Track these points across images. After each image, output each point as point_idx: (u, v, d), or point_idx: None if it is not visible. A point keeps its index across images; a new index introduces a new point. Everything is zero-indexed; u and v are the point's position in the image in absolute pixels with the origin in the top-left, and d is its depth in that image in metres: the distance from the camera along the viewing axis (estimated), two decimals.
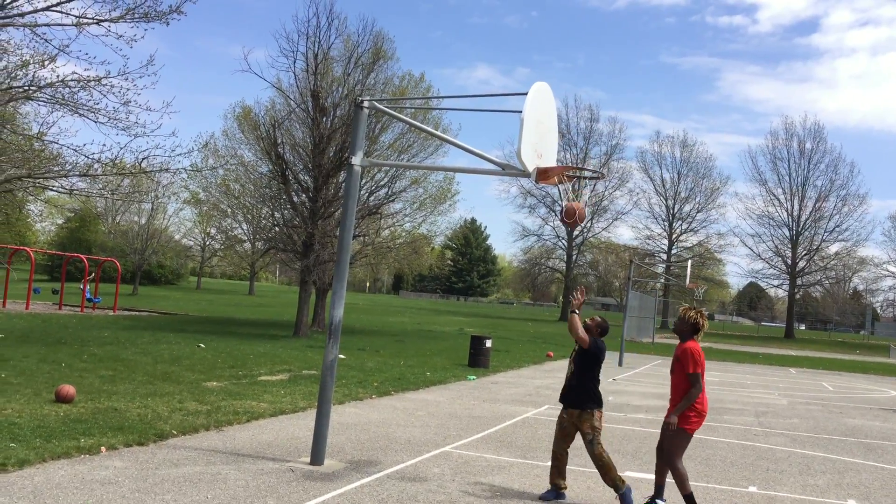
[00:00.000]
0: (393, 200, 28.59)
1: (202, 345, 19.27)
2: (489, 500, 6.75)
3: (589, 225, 65.39)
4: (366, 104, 8.20)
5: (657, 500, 6.68)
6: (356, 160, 8.06)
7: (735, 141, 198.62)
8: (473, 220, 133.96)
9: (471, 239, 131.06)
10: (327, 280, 29.73)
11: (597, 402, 6.88)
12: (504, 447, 9.28)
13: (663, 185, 68.94)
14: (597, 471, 6.80)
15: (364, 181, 29.32)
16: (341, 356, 19.16)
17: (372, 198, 28.94)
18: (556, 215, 66.69)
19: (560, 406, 7.14)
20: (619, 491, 6.68)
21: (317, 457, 7.54)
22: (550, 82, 8.01)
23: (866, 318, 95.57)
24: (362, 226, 27.57)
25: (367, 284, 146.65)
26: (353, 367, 17.02)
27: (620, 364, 25.12)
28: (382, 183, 29.53)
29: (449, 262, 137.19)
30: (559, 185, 7.94)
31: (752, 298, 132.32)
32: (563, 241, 66.06)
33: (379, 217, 28.17)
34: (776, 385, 21.80)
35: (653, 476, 7.02)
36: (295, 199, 25.50)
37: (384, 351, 21.97)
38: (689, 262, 26.89)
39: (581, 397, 6.86)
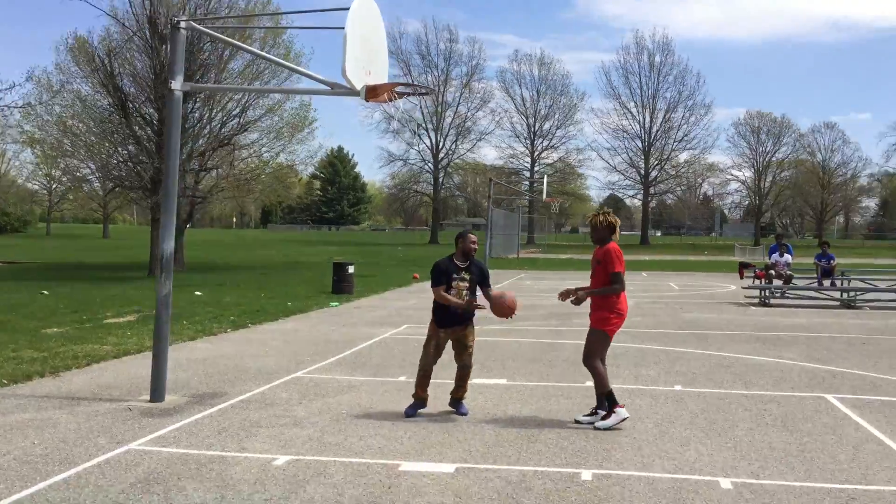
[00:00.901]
0: (246, 130, 27.54)
1: (45, 292, 18.19)
2: (334, 418, 6.83)
3: (453, 146, 66.03)
4: (183, 25, 7.73)
5: (599, 411, 6.63)
6: (175, 85, 7.64)
7: (593, 58, 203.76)
8: (340, 149, 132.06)
9: (339, 167, 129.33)
10: (183, 217, 28.61)
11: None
12: (357, 368, 9.38)
13: (524, 104, 70.20)
14: (455, 381, 7.12)
15: (215, 111, 28.08)
16: (197, 293, 18.62)
17: (225, 128, 27.81)
18: (420, 139, 66.85)
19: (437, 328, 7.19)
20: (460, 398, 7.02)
21: (157, 393, 7.35)
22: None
23: (715, 221, 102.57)
24: (215, 158, 26.53)
25: (234, 220, 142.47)
26: (210, 303, 16.59)
27: None
28: (235, 113, 28.40)
29: (318, 191, 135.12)
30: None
31: (612, 209, 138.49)
32: (430, 164, 66.34)
33: (232, 148, 27.13)
34: (637, 290, 23.07)
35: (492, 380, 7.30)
36: (139, 132, 24.10)
37: (245, 285, 21.54)
38: (545, 177, 27.62)
39: (470, 313, 7.08)
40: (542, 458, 5.69)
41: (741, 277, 19.17)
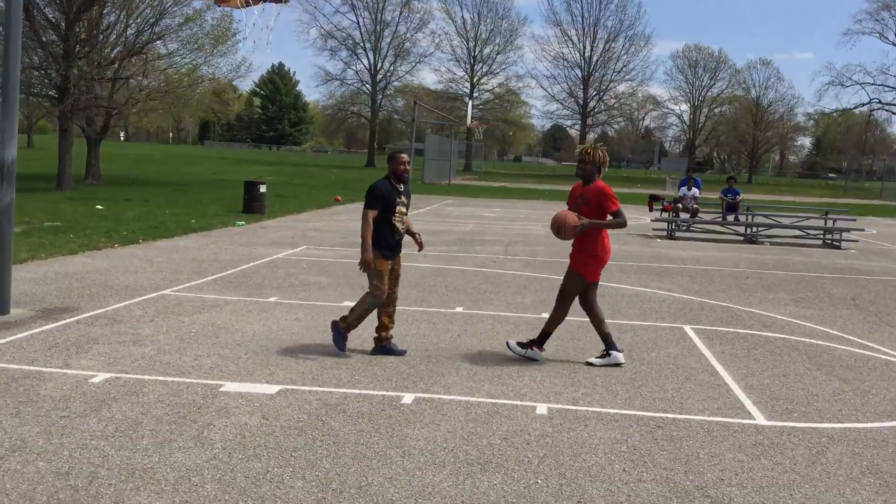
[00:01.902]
0: (160, 39, 26.32)
1: None
2: (179, 337, 6.68)
3: (392, 68, 64.61)
4: None
5: (612, 352, 6.41)
6: None
7: None
8: (281, 66, 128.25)
9: (279, 85, 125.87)
10: (98, 128, 27.50)
11: None
12: (231, 287, 9.21)
13: (464, 27, 68.75)
14: (386, 318, 6.54)
15: (131, 18, 26.72)
16: (98, 206, 18.03)
17: (142, 37, 26.54)
18: (358, 59, 65.14)
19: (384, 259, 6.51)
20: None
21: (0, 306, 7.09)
22: None
23: (654, 155, 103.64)
24: (129, 66, 25.37)
25: (171, 135, 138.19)
26: (108, 217, 16.08)
27: None
28: (151, 20, 27.09)
29: (258, 109, 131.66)
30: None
31: (555, 139, 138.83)
32: (368, 85, 64.93)
33: (145, 58, 25.95)
34: (541, 217, 23.17)
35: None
36: (44, 38, 22.80)
37: (155, 201, 20.93)
38: (470, 102, 27.28)
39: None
40: (371, 381, 5.68)
41: (650, 210, 19.42)
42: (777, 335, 7.91)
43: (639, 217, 25.03)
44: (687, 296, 10.07)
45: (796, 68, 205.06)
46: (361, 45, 64.52)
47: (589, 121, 68.25)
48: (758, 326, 8.30)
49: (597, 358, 6.46)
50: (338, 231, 16.23)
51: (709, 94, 73.37)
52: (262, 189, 19.31)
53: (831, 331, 8.24)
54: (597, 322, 6.48)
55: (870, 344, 7.67)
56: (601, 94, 67.74)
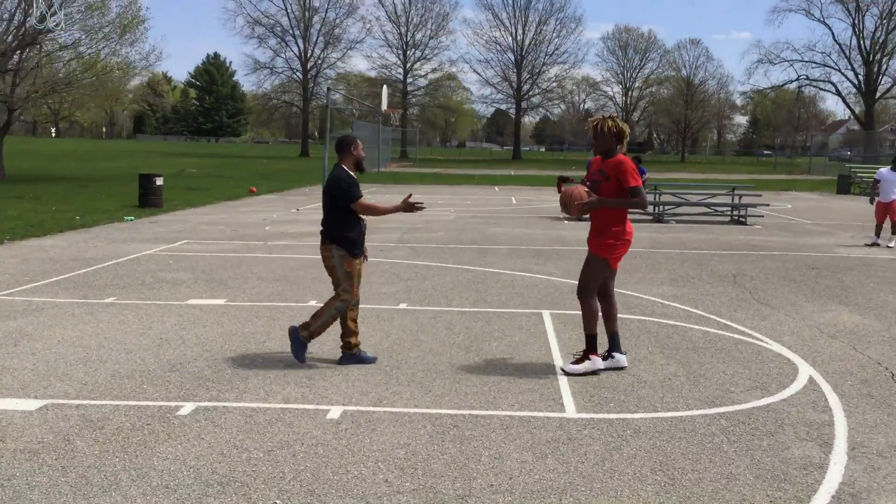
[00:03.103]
0: (57, 27, 25.08)
1: None
2: None
3: (322, 55, 63.41)
4: None
5: (614, 354, 5.84)
6: None
7: None
8: (217, 55, 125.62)
9: (215, 75, 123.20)
10: (3, 120, 26.27)
11: None
12: (71, 289, 8.55)
13: (395, 12, 67.89)
14: (351, 324, 5.96)
15: (30, 6, 25.43)
16: None
17: (39, 26, 25.27)
18: (287, 46, 63.81)
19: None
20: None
21: None
22: None
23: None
24: (29, 59, 24.16)
25: (104, 130, 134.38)
26: None
27: None
28: (54, 9, 25.82)
29: (194, 100, 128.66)
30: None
31: (498, 125, 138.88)
32: (298, 73, 63.65)
33: (39, 47, 24.73)
34: (462, 202, 22.82)
35: None
36: None
37: (49, 198, 19.92)
38: (385, 87, 26.69)
39: None
40: (158, 390, 5.16)
41: (559, 191, 19.11)
42: (636, 317, 7.62)
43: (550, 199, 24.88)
44: (564, 279, 9.75)
45: (735, 48, 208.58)
46: (290, 32, 63.28)
47: (523, 104, 68.09)
48: (620, 309, 7.98)
49: (572, 364, 5.72)
50: (233, 224, 15.57)
51: (640, 74, 73.93)
52: (159, 182, 18.51)
53: (695, 310, 7.99)
54: (599, 319, 5.80)
55: (730, 323, 7.43)
56: (534, 77, 67.62)
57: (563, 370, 5.73)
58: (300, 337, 5.78)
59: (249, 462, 4.01)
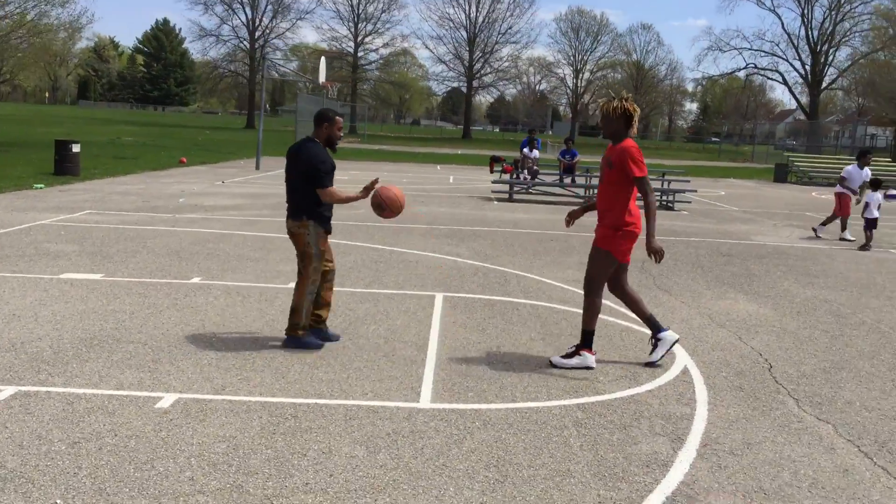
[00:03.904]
0: None
1: None
2: None
3: (271, 24, 61.98)
4: None
5: (659, 334, 5.52)
6: None
7: None
8: (166, 21, 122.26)
9: (164, 42, 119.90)
10: None
11: None
12: None
13: None
14: (325, 301, 5.80)
15: None
16: None
17: None
18: (234, 14, 62.19)
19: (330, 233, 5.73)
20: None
21: None
22: None
23: (546, 119, 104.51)
24: None
25: (47, 95, 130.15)
26: None
27: (258, 168, 24.42)
28: None
29: (141, 67, 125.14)
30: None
31: (454, 103, 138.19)
32: (245, 42, 62.12)
33: None
34: (398, 180, 22.42)
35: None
36: None
37: None
38: (322, 59, 26.03)
39: None
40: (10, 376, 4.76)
41: (490, 171, 18.95)
42: (529, 302, 7.41)
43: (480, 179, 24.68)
44: (471, 261, 9.50)
45: (691, 35, 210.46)
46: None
47: (475, 83, 67.62)
48: (517, 292, 7.78)
49: (562, 357, 5.45)
50: (147, 195, 14.97)
51: (591, 57, 74.06)
52: (76, 150, 17.73)
53: None
54: (636, 307, 5.51)
55: (623, 310, 7.25)
56: (487, 56, 67.14)
57: (550, 362, 5.46)
58: (299, 338, 5.55)
59: (47, 455, 3.66)
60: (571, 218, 5.70)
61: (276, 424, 4.17)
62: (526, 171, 18.28)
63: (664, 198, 17.85)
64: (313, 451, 3.87)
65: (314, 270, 5.52)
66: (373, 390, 4.77)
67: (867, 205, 12.67)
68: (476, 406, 4.59)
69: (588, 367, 5.38)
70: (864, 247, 12.33)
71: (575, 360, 5.40)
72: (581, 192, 18.19)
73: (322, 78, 23.45)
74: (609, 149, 5.37)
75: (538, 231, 12.65)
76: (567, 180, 18.42)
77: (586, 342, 5.44)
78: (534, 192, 18.56)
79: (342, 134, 5.71)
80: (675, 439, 4.23)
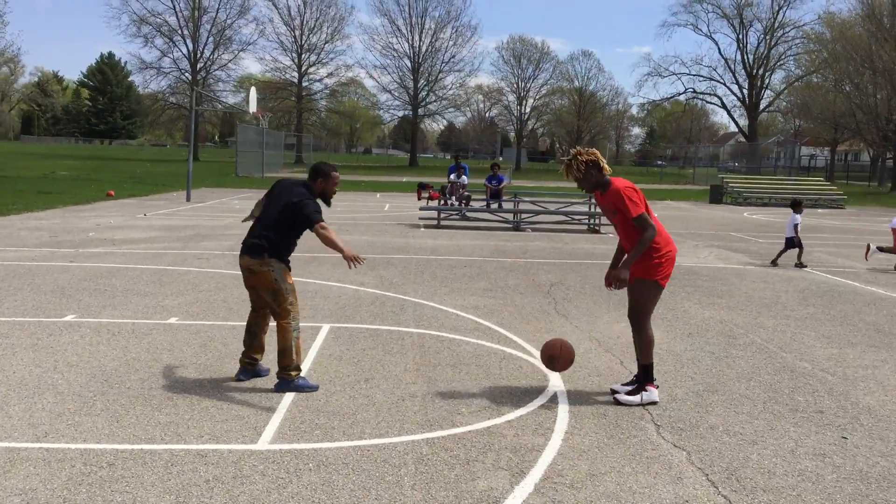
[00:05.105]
0: None
1: None
2: None
3: (213, 56, 61.54)
4: None
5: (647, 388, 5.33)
6: None
7: None
8: (111, 55, 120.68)
9: (109, 75, 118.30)
10: None
11: None
12: None
13: (289, 14, 66.53)
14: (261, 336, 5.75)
15: None
16: None
17: None
18: (175, 46, 61.62)
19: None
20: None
21: None
22: None
23: (496, 145, 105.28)
24: None
25: None
26: None
27: (188, 199, 23.94)
28: None
29: (86, 101, 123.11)
30: None
31: (405, 132, 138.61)
32: (187, 74, 61.44)
33: None
34: (331, 210, 22.15)
35: None
36: None
37: None
38: (253, 88, 25.79)
39: None
40: None
41: (418, 199, 18.80)
42: (417, 331, 7.19)
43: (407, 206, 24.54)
44: (374, 290, 9.28)
45: (634, 62, 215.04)
46: (178, 31, 61.02)
47: (420, 111, 67.82)
48: (408, 322, 7.57)
49: (627, 395, 5.27)
50: (58, 230, 14.46)
51: (533, 84, 74.98)
52: None
53: (485, 322, 7.64)
54: (647, 348, 5.34)
55: (512, 337, 7.10)
56: (431, 84, 67.46)
57: (615, 399, 5.26)
58: (291, 381, 5.29)
59: None
60: (613, 279, 5.28)
61: (86, 475, 3.86)
62: (454, 198, 18.19)
63: (591, 220, 17.89)
64: (115, 503, 3.57)
65: (291, 305, 5.30)
66: (211, 432, 4.50)
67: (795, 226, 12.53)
68: (317, 445, 4.35)
69: (653, 402, 5.25)
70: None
71: (639, 398, 5.24)
72: (510, 216, 18.14)
73: (252, 107, 23.17)
74: (600, 197, 5.33)
75: (455, 257, 12.49)
76: (494, 206, 18.37)
77: (647, 376, 5.31)
78: (466, 217, 18.48)
79: (336, 190, 5.59)
80: (517, 473, 4.04)
